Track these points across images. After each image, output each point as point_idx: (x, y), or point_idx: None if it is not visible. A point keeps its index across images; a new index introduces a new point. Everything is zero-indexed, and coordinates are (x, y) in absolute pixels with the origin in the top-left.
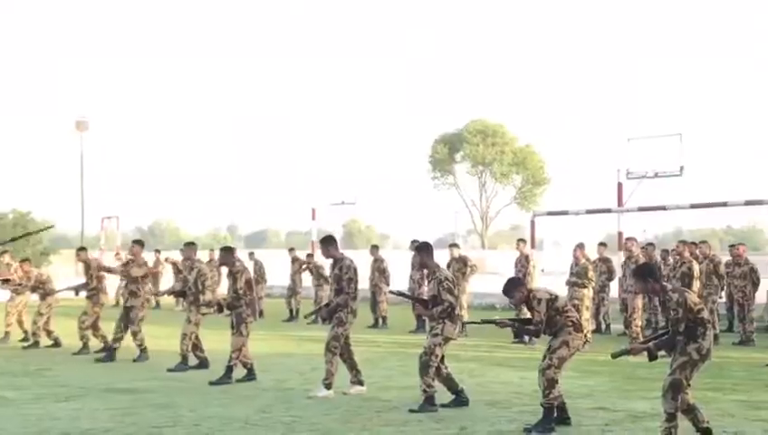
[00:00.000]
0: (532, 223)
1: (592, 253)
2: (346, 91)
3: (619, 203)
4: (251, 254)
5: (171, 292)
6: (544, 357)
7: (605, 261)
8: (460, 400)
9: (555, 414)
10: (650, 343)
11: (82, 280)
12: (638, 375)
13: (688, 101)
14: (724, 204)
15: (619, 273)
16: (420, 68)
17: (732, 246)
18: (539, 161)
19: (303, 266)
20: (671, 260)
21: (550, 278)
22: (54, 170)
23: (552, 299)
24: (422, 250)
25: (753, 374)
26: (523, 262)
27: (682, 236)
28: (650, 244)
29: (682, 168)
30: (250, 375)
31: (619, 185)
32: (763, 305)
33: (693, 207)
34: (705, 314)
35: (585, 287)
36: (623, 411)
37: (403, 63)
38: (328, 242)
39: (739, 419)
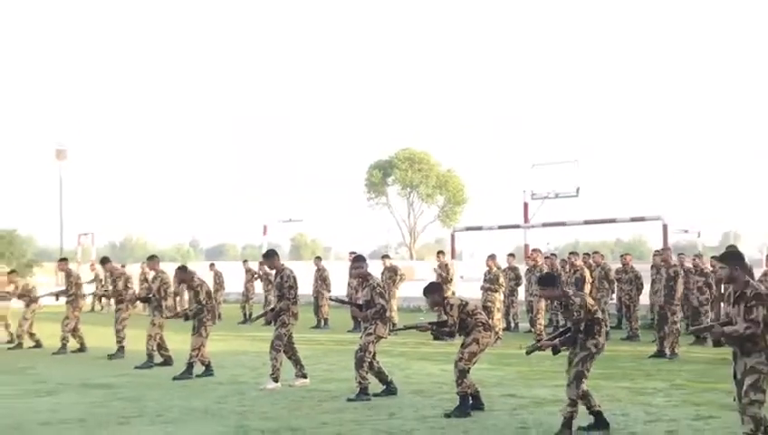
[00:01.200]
0: (452, 237)
1: (503, 262)
2: (295, 120)
3: (526, 220)
4: (211, 265)
5: (137, 298)
6: (460, 353)
7: (513, 269)
8: (389, 390)
9: (470, 401)
10: (556, 341)
11: (63, 288)
12: (540, 367)
13: (584, 130)
14: (614, 220)
15: (524, 279)
16: (356, 104)
17: (621, 256)
18: (459, 184)
19: (255, 276)
20: (568, 268)
21: (468, 284)
22: (36, 192)
23: (463, 304)
24: (359, 261)
25: (637, 365)
26: (443, 270)
27: (579, 248)
28: (553, 254)
29: (578, 189)
30: (208, 371)
31: (525, 204)
32: (647, 306)
33: (587, 223)
34: (600, 315)
35: (497, 292)
36: (528, 398)
37: (341, 99)
38: (270, 256)
39: (625, 403)
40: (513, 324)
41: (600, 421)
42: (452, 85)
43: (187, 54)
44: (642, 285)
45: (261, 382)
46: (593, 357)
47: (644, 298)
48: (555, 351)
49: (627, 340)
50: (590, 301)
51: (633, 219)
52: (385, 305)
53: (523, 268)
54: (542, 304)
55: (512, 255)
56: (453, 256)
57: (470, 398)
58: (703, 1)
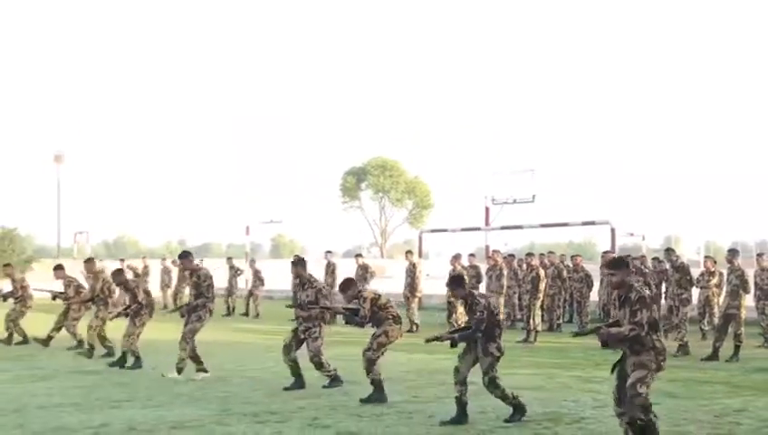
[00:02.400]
0: (420, 238)
1: (466, 262)
2: (275, 127)
3: (486, 223)
4: (200, 261)
5: (86, 299)
6: (370, 343)
7: (474, 268)
8: (299, 384)
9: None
10: (456, 335)
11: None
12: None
13: (540, 141)
14: (566, 224)
15: (485, 277)
16: (332, 113)
17: (572, 256)
18: (426, 190)
19: (238, 272)
20: (524, 267)
21: (434, 281)
22: (35, 194)
23: (376, 298)
24: (297, 264)
25: (587, 356)
26: (411, 268)
27: (535, 249)
28: (511, 255)
29: (534, 196)
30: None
31: (487, 209)
32: (596, 302)
33: (542, 226)
34: (501, 317)
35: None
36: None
37: (319, 108)
38: (185, 256)
39: (575, 390)
40: None
41: (517, 410)
42: (421, 97)
43: (175, 60)
44: (592, 283)
45: (244, 370)
46: (499, 360)
47: (594, 295)
48: (453, 344)
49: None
50: (494, 302)
51: (584, 223)
52: (328, 305)
53: (483, 267)
54: (502, 299)
55: (473, 255)
56: (420, 256)
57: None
58: (644, 15)
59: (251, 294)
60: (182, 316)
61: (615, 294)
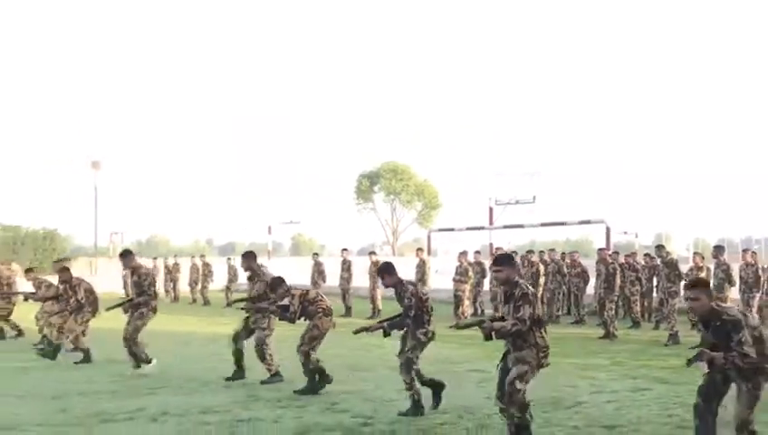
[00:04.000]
0: (429, 237)
1: (472, 258)
2: (296, 133)
3: (490, 222)
4: (228, 259)
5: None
6: (302, 337)
7: (480, 264)
8: (238, 375)
9: (318, 377)
10: (385, 323)
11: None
12: (501, 346)
13: (541, 144)
14: (564, 223)
15: (489, 273)
16: (345, 120)
17: (570, 253)
18: (434, 192)
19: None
20: (525, 263)
21: (442, 277)
22: (74, 197)
23: (305, 293)
24: (248, 257)
25: (584, 345)
26: (421, 265)
27: (535, 247)
28: (514, 252)
29: (535, 197)
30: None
31: (490, 209)
32: (592, 295)
33: (543, 225)
34: (430, 304)
35: (466, 283)
36: (492, 372)
37: (333, 115)
38: (126, 255)
39: (573, 377)
40: (479, 311)
41: (435, 388)
42: (430, 102)
43: (200, 66)
44: (588, 278)
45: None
46: (423, 345)
47: (590, 288)
48: (385, 333)
49: (575, 324)
50: (422, 291)
51: (581, 222)
52: (260, 307)
53: (488, 263)
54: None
55: (478, 252)
56: (429, 253)
57: (319, 374)
58: (638, 17)
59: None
60: (125, 312)
61: (501, 289)
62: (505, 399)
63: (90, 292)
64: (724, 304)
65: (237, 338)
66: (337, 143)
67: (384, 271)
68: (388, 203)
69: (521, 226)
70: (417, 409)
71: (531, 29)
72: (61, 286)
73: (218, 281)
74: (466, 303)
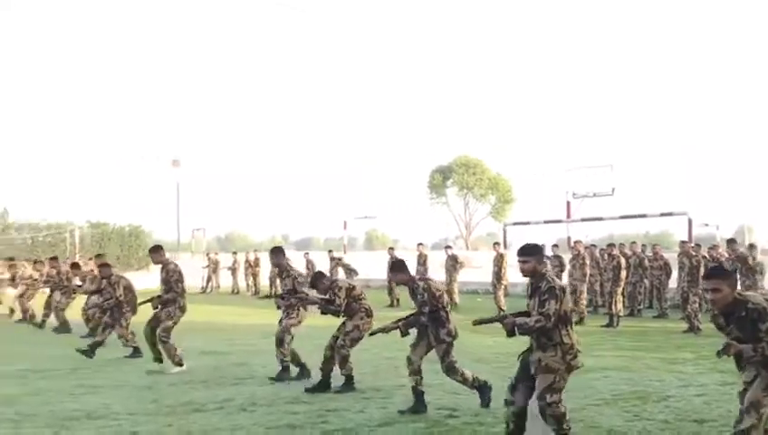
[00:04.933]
0: (504, 231)
1: (549, 252)
2: (370, 129)
3: (568, 215)
4: (306, 254)
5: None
6: (338, 338)
7: (558, 257)
8: (303, 373)
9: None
10: (401, 323)
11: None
12: (582, 340)
13: (618, 135)
14: (645, 215)
15: (569, 266)
16: (418, 115)
17: (652, 246)
18: (507, 186)
19: (338, 263)
20: (606, 256)
21: (518, 271)
22: (156, 195)
23: (351, 288)
24: (277, 253)
25: (668, 339)
26: (498, 259)
27: (612, 240)
28: (593, 245)
29: (613, 189)
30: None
31: (568, 203)
32: (674, 289)
33: (622, 218)
34: (445, 300)
35: None
36: None
37: (406, 111)
38: (155, 251)
39: (660, 371)
40: None
41: (418, 405)
42: (502, 97)
43: (268, 61)
44: (671, 271)
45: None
46: (452, 345)
47: (672, 282)
48: (402, 333)
49: (657, 318)
50: (436, 286)
51: (662, 214)
52: (307, 293)
53: (566, 257)
54: (584, 287)
55: (556, 245)
56: (505, 247)
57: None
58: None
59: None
60: (155, 308)
61: (528, 282)
62: (517, 397)
63: (129, 289)
64: (746, 293)
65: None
66: (410, 139)
67: (395, 268)
68: (461, 197)
69: (600, 218)
70: (485, 393)
71: (601, 16)
72: (103, 281)
73: None
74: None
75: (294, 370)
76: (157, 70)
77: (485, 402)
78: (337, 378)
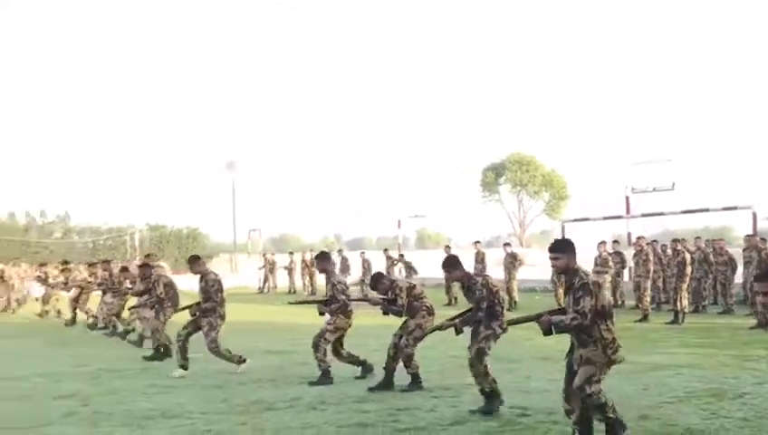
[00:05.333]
0: (563, 227)
1: (610, 248)
2: (422, 127)
3: (627, 211)
4: (362, 253)
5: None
6: (401, 336)
7: (619, 254)
8: (366, 368)
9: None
10: (456, 320)
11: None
12: (650, 337)
13: (677, 129)
14: (707, 210)
15: (630, 262)
16: (470, 112)
17: (715, 241)
18: (562, 182)
19: (394, 262)
20: (669, 251)
21: None
22: (212, 197)
23: (411, 287)
24: (322, 259)
25: (735, 335)
26: None
27: (671, 236)
28: (654, 240)
29: (674, 184)
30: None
31: (627, 198)
32: (740, 284)
33: (684, 212)
34: (502, 297)
35: (606, 273)
36: (643, 363)
37: (457, 108)
38: (193, 261)
39: (734, 368)
40: (619, 302)
41: (492, 395)
42: (554, 92)
43: (317, 63)
44: (736, 266)
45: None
46: (497, 337)
47: (737, 277)
48: (457, 331)
49: (723, 314)
50: (493, 282)
51: (726, 208)
52: (346, 301)
53: (628, 253)
54: (648, 283)
55: (617, 241)
56: None
57: (413, 378)
58: None
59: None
60: (192, 315)
61: (562, 280)
62: (575, 403)
63: (169, 286)
64: None
65: (337, 352)
66: (461, 137)
67: (449, 264)
68: (515, 195)
69: (661, 213)
70: (495, 401)
71: (658, 3)
72: (146, 281)
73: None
74: (607, 293)
75: (356, 370)
76: (212, 75)
77: (495, 407)
78: (402, 377)
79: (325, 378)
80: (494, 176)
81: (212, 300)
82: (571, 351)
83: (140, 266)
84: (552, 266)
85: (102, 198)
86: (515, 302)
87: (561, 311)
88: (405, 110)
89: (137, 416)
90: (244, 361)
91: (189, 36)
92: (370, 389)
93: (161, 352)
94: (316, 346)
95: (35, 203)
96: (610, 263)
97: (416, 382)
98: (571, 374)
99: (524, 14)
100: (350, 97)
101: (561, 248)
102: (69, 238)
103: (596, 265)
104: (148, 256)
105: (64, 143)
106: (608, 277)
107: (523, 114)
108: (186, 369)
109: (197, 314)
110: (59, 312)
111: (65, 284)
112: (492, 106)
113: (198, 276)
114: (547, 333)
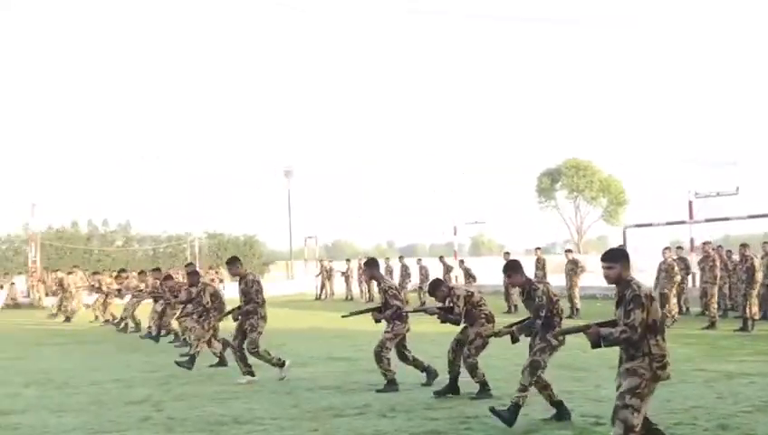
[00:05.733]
0: (624, 233)
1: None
2: (476, 135)
3: (690, 216)
4: (419, 260)
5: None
6: (458, 341)
7: (683, 260)
8: (430, 374)
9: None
10: (514, 328)
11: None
12: (720, 344)
13: (742, 131)
14: None
15: (695, 268)
16: (526, 118)
17: None
18: (619, 187)
19: (451, 269)
20: (735, 257)
21: (636, 274)
22: (269, 205)
23: (469, 295)
24: (371, 266)
25: None
26: None
27: (732, 241)
28: (719, 246)
29: (738, 188)
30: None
31: (690, 202)
32: None
33: (750, 217)
34: (560, 308)
35: (672, 280)
36: (717, 372)
37: (513, 114)
38: (232, 263)
39: None
40: (684, 308)
41: (561, 412)
42: (611, 95)
43: (371, 71)
44: None
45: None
46: (554, 349)
47: None
48: (514, 339)
49: None
50: (553, 291)
51: None
52: (400, 306)
53: (692, 259)
54: (715, 290)
55: (680, 247)
56: None
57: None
58: None
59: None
60: (235, 319)
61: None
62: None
63: (215, 296)
64: None
65: (402, 355)
66: (519, 145)
67: (511, 269)
68: (571, 200)
69: (726, 218)
70: (512, 415)
71: (720, 4)
72: (193, 290)
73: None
74: (673, 301)
75: (422, 377)
76: (268, 84)
77: (565, 417)
78: (469, 384)
79: (392, 386)
80: (549, 181)
81: (253, 301)
82: (620, 366)
83: (189, 274)
84: (605, 276)
85: (161, 206)
86: (577, 309)
87: (612, 323)
88: (463, 115)
89: (210, 421)
90: (283, 364)
91: (229, 41)
92: (436, 393)
93: (221, 360)
94: (379, 357)
95: (98, 212)
96: (676, 269)
97: (484, 391)
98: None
99: (578, 16)
100: (404, 101)
101: (615, 257)
102: (130, 247)
103: (660, 270)
104: (189, 264)
105: (125, 155)
106: (673, 284)
107: (578, 119)
108: (252, 375)
109: (240, 317)
110: (113, 317)
111: (119, 292)
112: (547, 112)
113: (238, 279)
114: (595, 345)
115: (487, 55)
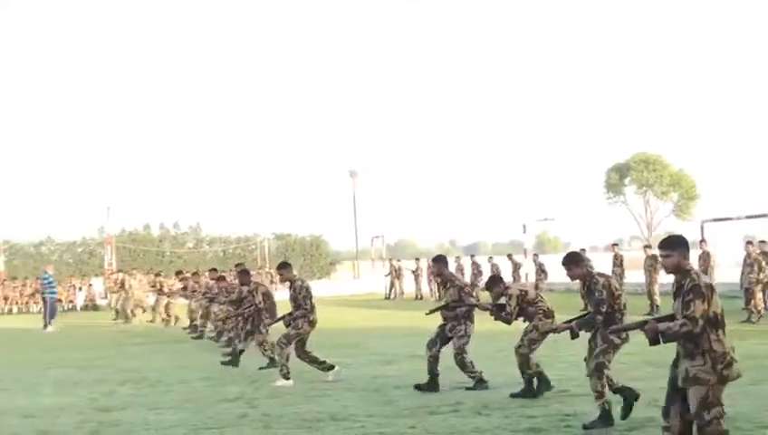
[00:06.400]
0: (702, 228)
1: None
2: (542, 132)
3: None
4: (490, 258)
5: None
6: (521, 339)
7: (766, 254)
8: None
9: (536, 383)
10: (573, 323)
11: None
12: None
13: None
14: None
15: None
16: (592, 113)
17: None
18: (691, 182)
19: (518, 266)
20: None
21: (717, 269)
22: (335, 205)
23: (523, 294)
24: (439, 262)
25: None
26: (705, 257)
27: None
28: None
29: None
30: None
31: None
32: None
33: None
34: (624, 301)
35: (757, 275)
36: None
37: (578, 111)
38: (284, 267)
39: None
40: None
41: (627, 397)
42: (680, 89)
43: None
44: None
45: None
46: (617, 347)
47: None
48: (573, 335)
49: None
50: (615, 285)
51: None
52: (475, 304)
53: None
54: None
55: (764, 241)
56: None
57: (536, 379)
58: None
59: (536, 286)
60: (287, 325)
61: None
62: (674, 422)
63: (267, 296)
64: None
65: (432, 345)
66: (586, 140)
67: (570, 261)
68: (641, 195)
69: None
70: (605, 420)
71: None
72: (244, 290)
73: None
74: (759, 296)
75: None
76: (336, 88)
77: (599, 425)
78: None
79: (480, 384)
80: (618, 177)
81: (302, 307)
82: (675, 364)
83: (239, 274)
84: (663, 265)
85: (231, 208)
86: (657, 306)
87: (670, 317)
88: (527, 113)
89: (306, 418)
90: (288, 379)
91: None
92: (512, 395)
93: (272, 361)
94: (462, 365)
95: (170, 215)
96: (762, 264)
97: (529, 388)
98: (673, 390)
99: (648, 10)
100: (466, 101)
101: (673, 245)
102: (200, 248)
103: (745, 264)
104: (239, 264)
105: (198, 158)
106: (761, 278)
107: (647, 113)
108: (334, 367)
109: (291, 323)
110: (177, 318)
111: (184, 289)
112: (615, 106)
113: (288, 284)
114: (654, 342)
115: (555, 50)
